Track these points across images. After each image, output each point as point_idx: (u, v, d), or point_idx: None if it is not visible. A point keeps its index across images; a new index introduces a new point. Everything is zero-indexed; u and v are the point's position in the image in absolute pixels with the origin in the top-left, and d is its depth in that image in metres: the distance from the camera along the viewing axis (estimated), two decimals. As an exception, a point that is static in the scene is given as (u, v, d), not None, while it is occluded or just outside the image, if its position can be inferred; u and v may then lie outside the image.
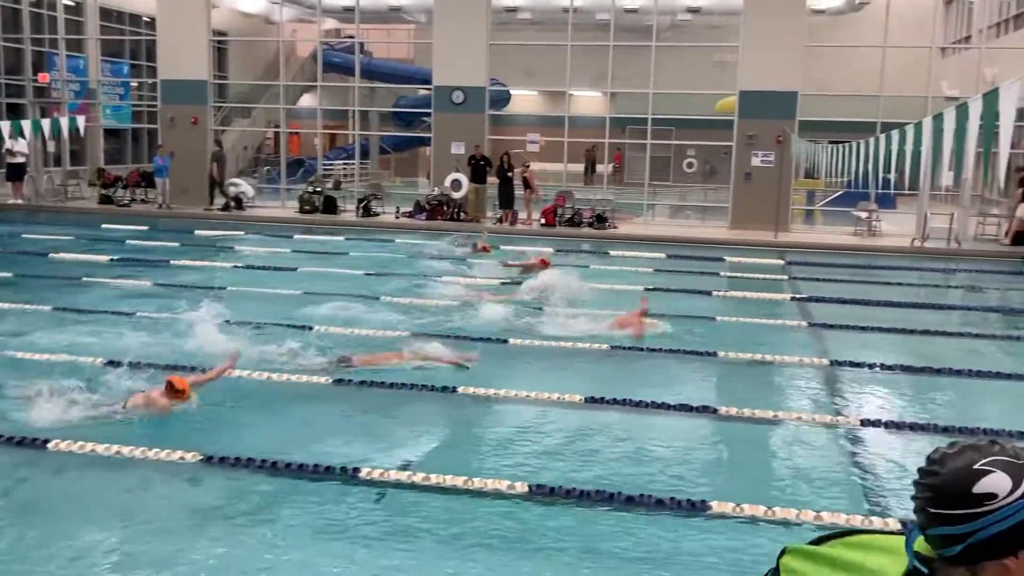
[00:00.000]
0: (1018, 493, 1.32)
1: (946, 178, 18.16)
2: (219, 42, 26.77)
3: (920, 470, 1.41)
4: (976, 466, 1.35)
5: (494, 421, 7.62)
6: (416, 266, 15.45)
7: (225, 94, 28.35)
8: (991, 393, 8.68)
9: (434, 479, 5.97)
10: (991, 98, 5.83)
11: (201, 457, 6.25)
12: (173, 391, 7.05)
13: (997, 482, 1.33)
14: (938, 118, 6.99)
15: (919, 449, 6.97)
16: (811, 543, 1.56)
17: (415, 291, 12.88)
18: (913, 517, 1.44)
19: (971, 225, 20.60)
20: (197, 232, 19.17)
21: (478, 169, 21.32)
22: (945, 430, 7.28)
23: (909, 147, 8.08)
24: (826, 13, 31.68)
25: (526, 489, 5.87)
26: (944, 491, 1.35)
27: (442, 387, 8.05)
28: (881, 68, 20.88)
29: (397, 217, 21.87)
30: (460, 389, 8.04)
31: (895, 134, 8.87)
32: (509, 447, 6.87)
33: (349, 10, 24.90)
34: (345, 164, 29.13)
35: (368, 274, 14.35)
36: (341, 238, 19.04)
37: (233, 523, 5.44)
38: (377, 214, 22.23)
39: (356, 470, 6.09)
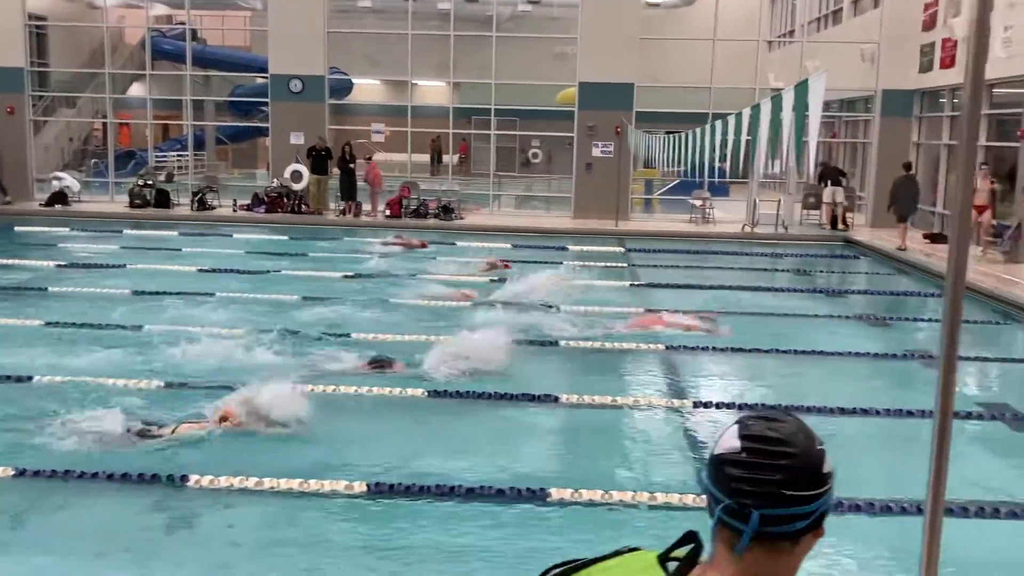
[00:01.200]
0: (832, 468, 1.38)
1: (772, 166, 19.03)
2: (38, 27, 25.07)
3: (765, 452, 1.36)
4: (818, 446, 1.38)
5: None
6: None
7: (47, 83, 26.62)
8: (818, 369, 9.11)
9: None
10: (801, 89, 6.10)
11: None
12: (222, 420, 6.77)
13: (830, 460, 1.38)
14: (756, 108, 7.28)
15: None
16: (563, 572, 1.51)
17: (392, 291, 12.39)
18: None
19: (796, 211, 21.71)
20: (17, 229, 17.98)
21: (319, 160, 20.84)
22: (775, 408, 7.60)
23: (731, 136, 8.41)
24: (660, 7, 32.60)
25: (364, 488, 5.74)
26: (800, 473, 1.34)
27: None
28: (712, 61, 21.67)
29: (235, 210, 21.14)
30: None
31: (719, 124, 9.21)
32: (334, 445, 6.72)
33: (180, -5, 23.88)
34: (179, 156, 27.89)
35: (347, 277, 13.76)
36: (175, 232, 18.24)
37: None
38: (213, 207, 21.42)
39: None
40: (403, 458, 6.38)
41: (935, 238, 18.50)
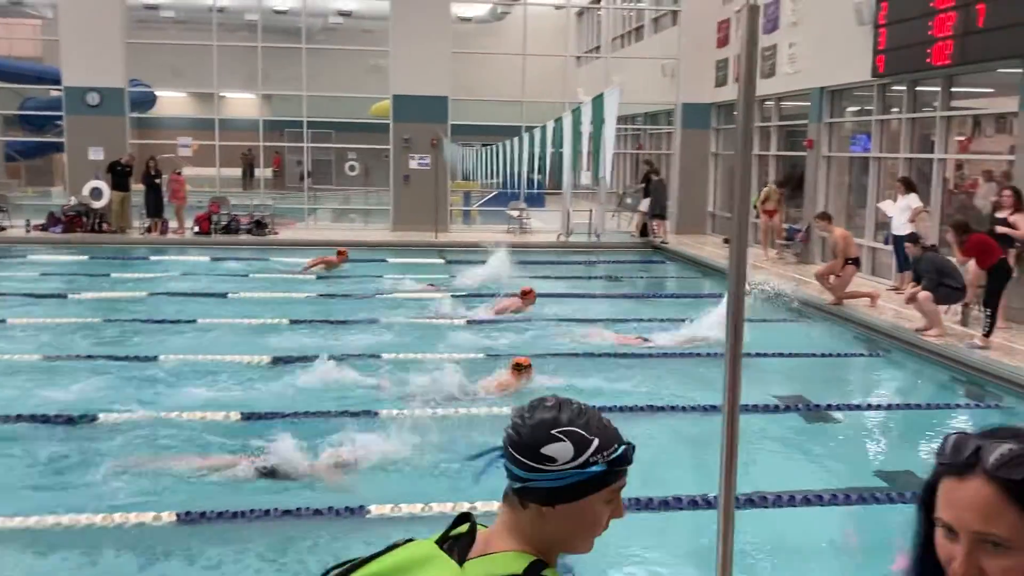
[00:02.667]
0: (572, 464, 1.51)
1: (584, 177, 19.63)
2: None
3: (515, 412, 1.59)
4: (553, 431, 1.52)
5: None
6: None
7: None
8: (630, 371, 9.44)
9: None
10: (598, 103, 6.33)
11: None
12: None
13: (561, 450, 1.51)
14: (559, 121, 7.50)
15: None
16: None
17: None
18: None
19: (609, 219, 22.51)
20: None
21: (121, 175, 19.79)
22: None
23: (539, 148, 8.63)
24: (472, 21, 33.06)
25: (174, 518, 5.49)
26: (520, 443, 1.53)
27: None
28: (523, 75, 22.15)
29: (28, 231, 19.75)
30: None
31: (526, 136, 9.42)
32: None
33: (-42, 1, 22.15)
34: (-37, 174, 25.81)
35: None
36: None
37: None
38: (3, 228, 19.93)
39: None
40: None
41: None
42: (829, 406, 8.30)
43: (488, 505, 5.68)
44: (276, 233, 20.52)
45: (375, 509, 5.67)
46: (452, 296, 12.96)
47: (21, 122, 29.00)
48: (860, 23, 14.68)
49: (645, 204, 21.38)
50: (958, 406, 8.68)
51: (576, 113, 6.74)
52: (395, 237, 20.82)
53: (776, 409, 8.08)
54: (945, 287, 10.60)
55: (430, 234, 20.61)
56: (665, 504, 5.80)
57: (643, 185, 21.78)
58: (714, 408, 7.86)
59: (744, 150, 3.21)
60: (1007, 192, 10.95)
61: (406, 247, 19.45)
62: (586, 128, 6.44)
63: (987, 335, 9.99)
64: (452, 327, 11.41)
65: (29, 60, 30.27)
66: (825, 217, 13.82)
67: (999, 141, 13.43)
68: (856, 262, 12.96)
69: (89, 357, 9.43)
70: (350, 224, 24.24)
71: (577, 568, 4.63)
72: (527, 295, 12.04)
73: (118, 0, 20.57)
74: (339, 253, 16.10)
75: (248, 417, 7.47)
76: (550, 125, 7.96)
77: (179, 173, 20.47)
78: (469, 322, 11.67)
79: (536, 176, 14.41)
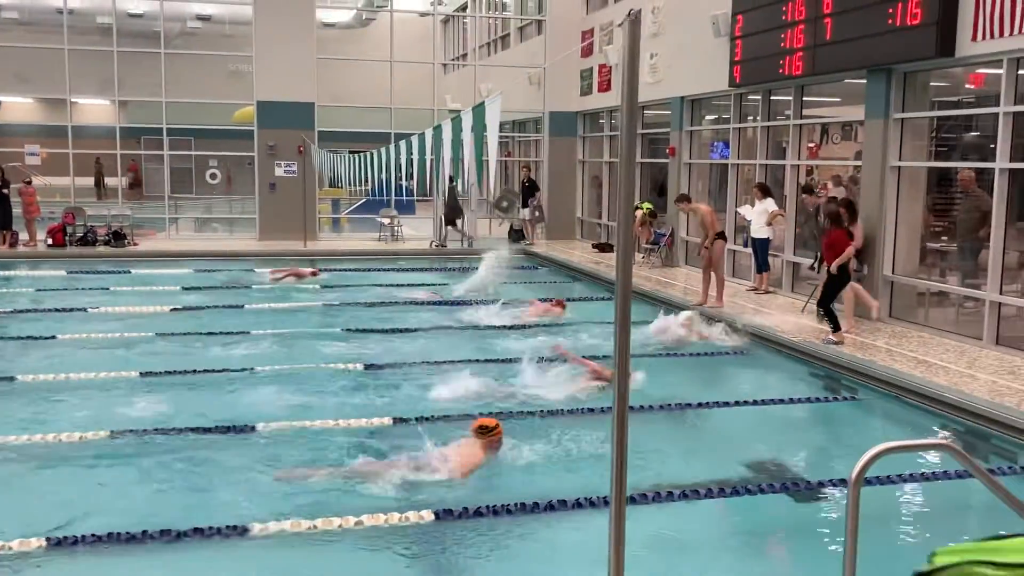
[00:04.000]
0: None
1: (458, 184, 19.70)
2: None
3: None
4: None
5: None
6: None
7: None
8: (515, 374, 9.51)
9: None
10: (479, 111, 6.40)
11: None
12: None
13: None
14: (438, 128, 7.54)
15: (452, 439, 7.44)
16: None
17: None
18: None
19: (482, 226, 22.65)
20: None
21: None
22: (471, 417, 7.87)
23: (415, 155, 8.65)
24: (336, 27, 32.70)
25: (43, 544, 5.22)
26: None
27: None
28: (390, 81, 22.06)
29: None
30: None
31: (403, 143, 9.41)
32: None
33: None
34: None
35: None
36: None
37: None
38: None
39: None
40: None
41: (602, 247, 20.10)
42: (700, 404, 8.60)
43: (374, 519, 5.65)
44: (136, 244, 19.75)
45: (258, 528, 5.54)
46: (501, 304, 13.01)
47: None
48: (717, 35, 15.29)
49: (526, 211, 21.76)
50: (818, 400, 9.13)
51: (456, 121, 6.78)
52: (263, 246, 20.36)
53: (652, 408, 8.31)
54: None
55: (299, 243, 20.25)
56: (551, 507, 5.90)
57: (525, 188, 22.13)
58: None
59: (628, 156, 3.32)
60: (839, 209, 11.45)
61: (275, 256, 19.04)
62: (467, 136, 6.49)
63: (836, 330, 10.55)
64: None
65: None
66: (684, 198, 14.37)
67: (846, 147, 14.25)
68: (723, 236, 13.42)
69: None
70: (214, 234, 23.55)
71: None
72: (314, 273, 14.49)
73: (-43, -1, 19.39)
74: (313, 272, 16.19)
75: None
76: (428, 132, 7.97)
77: (29, 183, 19.42)
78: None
79: (407, 183, 14.40)
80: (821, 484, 6.57)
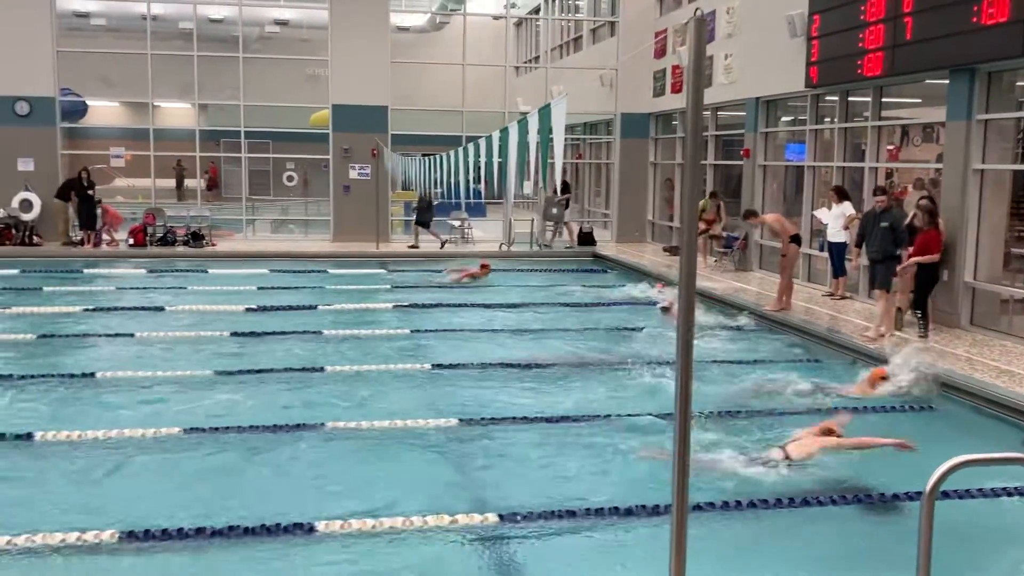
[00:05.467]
0: None
1: (523, 187, 19.69)
2: None
3: None
4: None
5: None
6: None
7: None
8: (584, 381, 9.46)
9: None
10: (545, 112, 6.37)
11: None
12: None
13: None
14: (504, 131, 7.53)
15: (515, 441, 7.44)
16: None
17: None
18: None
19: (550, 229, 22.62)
20: None
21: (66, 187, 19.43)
22: (536, 420, 7.85)
23: (484, 158, 8.66)
24: (410, 31, 33.01)
25: (116, 536, 5.35)
26: None
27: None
28: (463, 85, 22.18)
29: (-45, 244, 19.18)
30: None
31: (472, 146, 9.44)
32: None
33: None
34: None
35: None
36: None
37: None
38: (-72, 242, 19.33)
39: None
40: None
41: (673, 251, 19.88)
42: (758, 412, 8.42)
43: (438, 519, 5.66)
44: (214, 245, 20.21)
45: (323, 527, 5.60)
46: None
47: (-55, 132, 28.15)
48: (793, 35, 15.00)
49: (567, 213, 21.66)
50: (892, 409, 8.86)
51: (522, 123, 6.77)
52: (336, 248, 20.65)
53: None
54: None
55: (371, 244, 20.49)
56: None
57: (566, 196, 21.88)
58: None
59: (693, 156, 3.27)
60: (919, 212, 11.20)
61: (347, 258, 19.31)
62: (533, 138, 6.47)
63: (923, 337, 10.25)
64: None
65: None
66: (751, 214, 14.19)
67: (927, 150, 13.83)
68: (797, 239, 13.25)
69: (23, 377, 9.15)
70: (289, 235, 23.97)
71: None
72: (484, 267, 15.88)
73: (48, 8, 20.10)
74: (483, 266, 16.46)
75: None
76: (495, 135, 7.98)
77: (99, 201, 19.84)
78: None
79: (476, 186, 14.48)
80: (896, 497, 6.36)
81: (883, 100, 13.78)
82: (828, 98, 15.21)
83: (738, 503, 6.05)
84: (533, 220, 21.49)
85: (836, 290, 14.11)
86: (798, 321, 12.13)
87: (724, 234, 18.08)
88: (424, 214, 20.68)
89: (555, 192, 20.67)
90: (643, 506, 5.92)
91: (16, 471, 6.65)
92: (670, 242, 21.09)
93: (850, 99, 14.56)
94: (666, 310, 12.63)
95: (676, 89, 20.65)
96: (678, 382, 3.12)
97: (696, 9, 3.04)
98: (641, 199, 22.99)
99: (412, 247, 20.72)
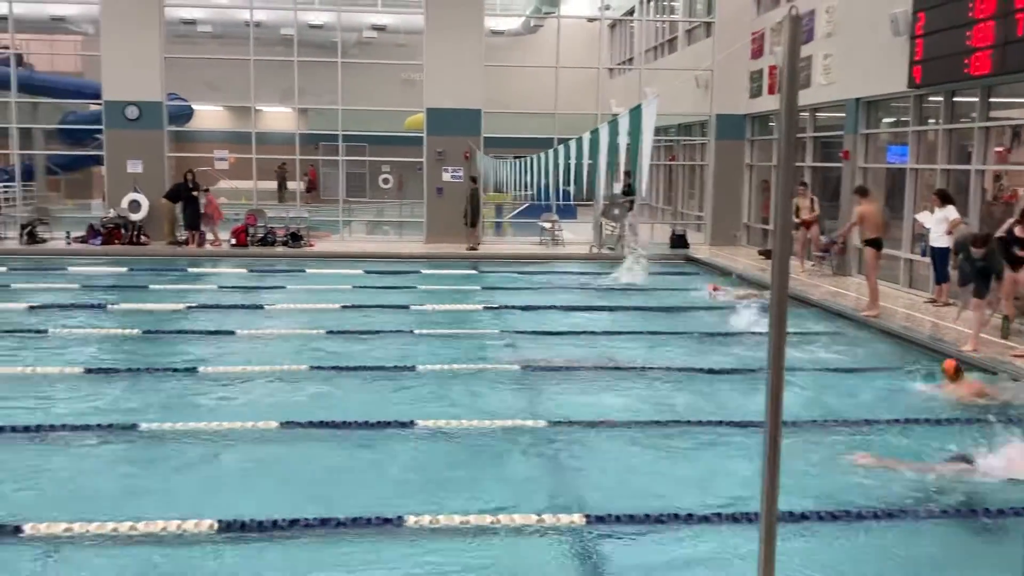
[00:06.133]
0: None
1: (613, 188, 19.61)
2: None
3: None
4: None
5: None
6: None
7: None
8: (674, 385, 9.38)
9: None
10: (635, 114, 6.33)
11: None
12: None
13: None
14: (595, 132, 7.50)
15: (606, 445, 7.42)
16: None
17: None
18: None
19: (643, 231, 22.45)
20: None
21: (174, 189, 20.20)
22: (632, 424, 7.81)
23: (574, 160, 8.66)
24: (504, 34, 33.21)
25: (215, 526, 5.54)
26: None
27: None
28: (556, 87, 22.21)
29: (68, 243, 20.09)
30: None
31: (562, 148, 9.44)
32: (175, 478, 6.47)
33: (2, 19, 22.58)
34: (5, 187, 26.29)
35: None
36: (2, 268, 17.14)
37: None
38: (44, 240, 20.30)
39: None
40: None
41: (768, 254, 19.50)
42: (863, 421, 8.19)
43: (525, 519, 5.68)
44: (312, 245, 20.70)
45: (412, 521, 5.68)
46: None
47: (62, 136, 29.56)
48: (896, 34, 14.56)
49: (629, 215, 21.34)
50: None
51: (613, 124, 6.74)
52: (428, 249, 20.92)
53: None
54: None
55: (463, 246, 20.68)
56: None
57: (630, 197, 21.42)
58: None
59: (787, 159, 3.21)
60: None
61: (439, 259, 19.54)
62: (623, 139, 6.43)
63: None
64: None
65: (70, 75, 30.86)
66: (858, 191, 13.69)
67: (1039, 152, 13.24)
68: (874, 244, 12.82)
69: (129, 370, 9.55)
70: (384, 236, 24.37)
71: None
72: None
73: (157, 15, 20.90)
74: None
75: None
76: (586, 136, 7.96)
77: (206, 190, 20.68)
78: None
79: (569, 188, 14.52)
80: (1002, 512, 6.11)
81: (991, 100, 13.25)
82: (932, 98, 14.71)
83: (831, 514, 5.90)
84: (601, 224, 21.28)
85: (939, 296, 13.62)
86: (897, 328, 11.77)
87: (822, 238, 17.60)
88: (476, 215, 20.84)
89: (624, 191, 20.50)
90: (734, 515, 5.84)
91: (121, 461, 6.94)
92: (765, 245, 20.70)
93: (955, 99, 14.05)
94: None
95: (773, 90, 20.26)
96: (768, 388, 3.07)
97: (791, 7, 2.98)
98: (736, 201, 22.63)
99: (471, 248, 20.74)
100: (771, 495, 3.12)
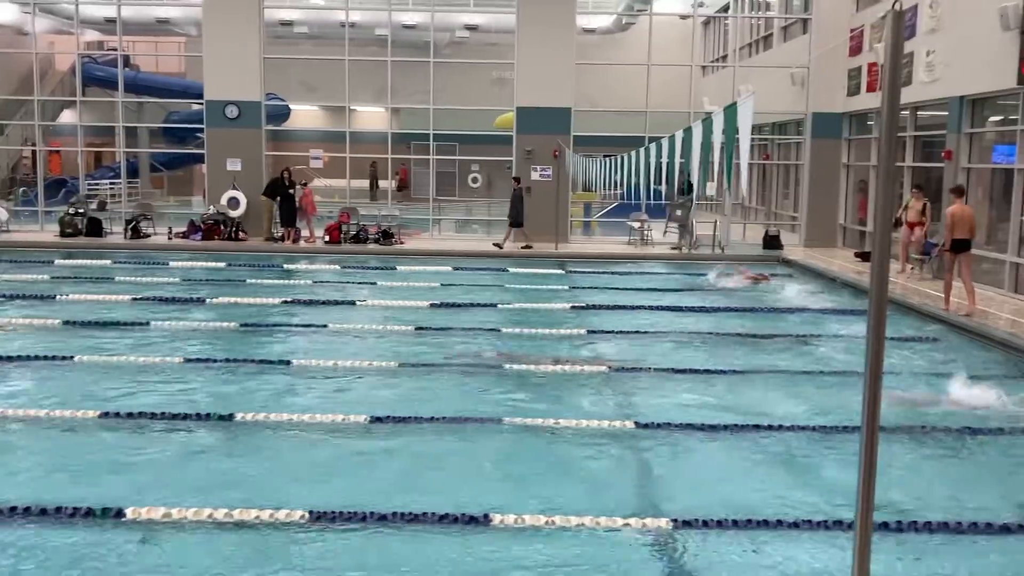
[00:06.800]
0: None
1: (708, 188, 19.35)
2: (-37, 53, 24.55)
3: None
4: None
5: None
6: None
7: (-27, 110, 26.06)
8: (762, 387, 9.21)
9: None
10: (731, 111, 6.22)
11: None
12: None
13: None
14: (688, 131, 7.41)
15: (689, 450, 7.33)
16: None
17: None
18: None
19: (735, 231, 22.08)
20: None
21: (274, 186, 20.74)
22: (716, 428, 7.70)
23: (666, 159, 8.57)
24: (596, 33, 33.08)
25: (306, 516, 5.66)
26: None
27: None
28: (647, 85, 22.02)
29: (170, 238, 20.81)
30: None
31: (654, 146, 9.35)
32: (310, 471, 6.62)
33: (111, 21, 23.53)
34: (112, 184, 27.41)
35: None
36: (108, 261, 17.85)
37: None
38: (147, 235, 21.07)
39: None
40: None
41: (865, 256, 18.97)
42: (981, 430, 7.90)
43: (611, 521, 5.64)
44: (402, 243, 20.98)
45: (498, 519, 5.71)
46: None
47: (165, 135, 30.66)
48: (1005, 28, 13.99)
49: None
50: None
51: (707, 122, 6.64)
52: (516, 248, 20.95)
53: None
54: None
55: (550, 245, 20.68)
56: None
57: (690, 197, 20.94)
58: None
59: (887, 159, 3.11)
60: None
61: (526, 258, 19.57)
62: (718, 138, 6.34)
63: None
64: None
65: (173, 76, 31.98)
66: (953, 191, 13.30)
67: None
68: (957, 247, 12.40)
69: (226, 361, 9.84)
70: (473, 234, 24.54)
71: None
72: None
73: (256, 17, 21.45)
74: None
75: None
76: (678, 134, 7.87)
77: (304, 184, 21.22)
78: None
79: (657, 187, 14.40)
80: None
81: (1108, 97, 12.63)
82: (1044, 95, 14.08)
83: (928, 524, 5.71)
84: (716, 221, 21.02)
85: (1049, 302, 13.05)
86: (1002, 335, 11.31)
87: (925, 240, 17.01)
88: (519, 213, 20.61)
89: (681, 190, 20.07)
90: (824, 521, 5.71)
91: (217, 449, 7.15)
92: (861, 247, 20.14)
93: (1069, 96, 13.43)
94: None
95: (872, 87, 19.69)
96: (865, 394, 2.98)
97: (895, 2, 2.89)
98: (832, 202, 22.08)
99: (497, 245, 20.56)
100: (866, 503, 3.03)
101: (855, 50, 20.54)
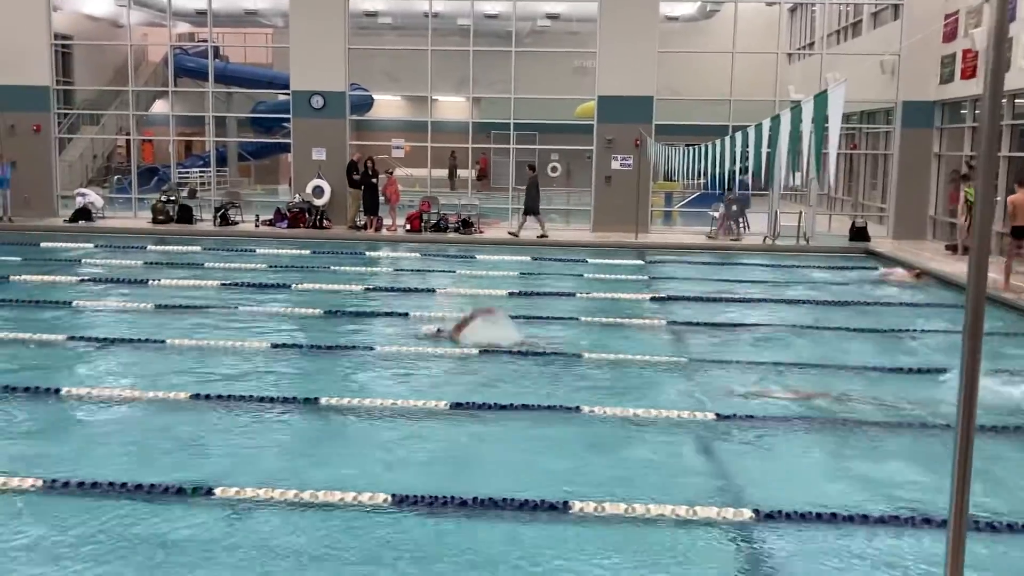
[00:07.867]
0: None
1: (793, 178, 18.96)
2: (63, 46, 25.44)
3: None
4: None
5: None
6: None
7: (72, 101, 26.99)
8: (845, 382, 9.02)
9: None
10: (821, 99, 6.08)
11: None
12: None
13: None
14: (775, 119, 7.27)
15: (771, 442, 7.22)
16: None
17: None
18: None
19: (821, 222, 21.61)
20: (43, 245, 18.19)
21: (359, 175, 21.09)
22: (797, 420, 7.58)
23: (751, 148, 8.42)
24: (679, 20, 32.64)
25: (388, 499, 5.76)
26: None
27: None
28: (731, 73, 21.66)
29: (257, 226, 21.30)
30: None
31: (739, 135, 9.20)
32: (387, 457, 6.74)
33: (202, 13, 24.12)
34: (201, 172, 28.18)
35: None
36: (198, 248, 18.37)
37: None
38: (235, 223, 21.60)
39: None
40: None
41: (955, 249, 18.38)
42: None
43: (689, 512, 5.61)
44: (481, 232, 21.09)
45: (578, 506, 5.72)
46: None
47: (252, 124, 31.36)
48: (1113, 11, 13.37)
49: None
50: None
51: (796, 111, 6.50)
52: (595, 237, 20.90)
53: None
54: None
55: (630, 235, 20.54)
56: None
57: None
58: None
59: (988, 148, 3.02)
60: None
61: (605, 247, 19.49)
62: (807, 126, 6.20)
63: None
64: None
65: (261, 66, 32.67)
66: (1018, 181, 13.09)
67: None
68: (1017, 233, 12.23)
69: (312, 347, 10.04)
70: (551, 224, 24.52)
71: None
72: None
73: (342, 8, 21.76)
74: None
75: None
76: (765, 123, 7.73)
77: (390, 173, 21.51)
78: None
79: (742, 177, 14.18)
80: None
81: None
82: None
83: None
84: (801, 212, 20.61)
85: None
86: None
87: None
88: (533, 200, 20.44)
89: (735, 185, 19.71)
90: (913, 518, 5.57)
91: (302, 432, 7.32)
92: (952, 240, 19.50)
93: None
94: None
95: (967, 75, 19.02)
96: (961, 390, 2.90)
97: (999, -16, 2.79)
98: (923, 193, 21.43)
99: (512, 234, 20.46)
100: (961, 501, 2.95)
101: (949, 36, 19.86)
